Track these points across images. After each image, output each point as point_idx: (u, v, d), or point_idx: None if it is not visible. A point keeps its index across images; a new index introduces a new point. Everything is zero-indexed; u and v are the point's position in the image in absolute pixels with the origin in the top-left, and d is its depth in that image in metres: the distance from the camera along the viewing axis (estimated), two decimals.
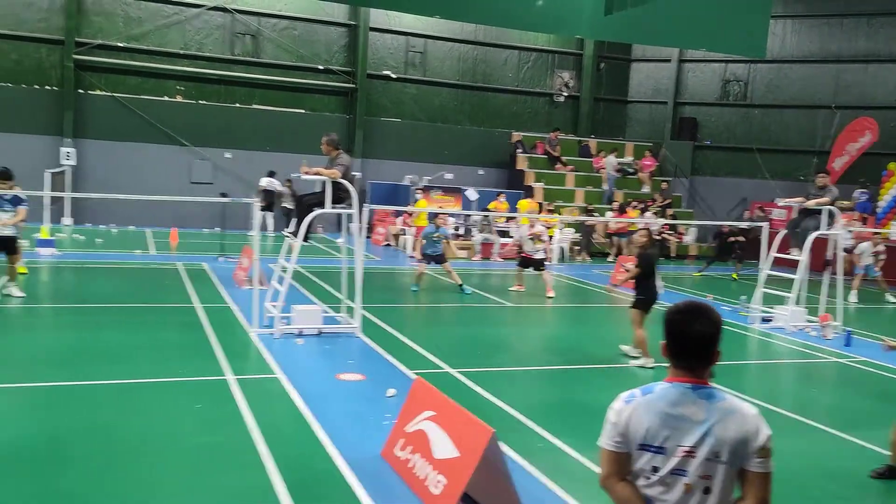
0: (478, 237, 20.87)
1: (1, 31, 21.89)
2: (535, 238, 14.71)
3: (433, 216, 15.22)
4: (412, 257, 18.73)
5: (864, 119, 23.95)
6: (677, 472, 2.62)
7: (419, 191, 22.10)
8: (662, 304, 12.63)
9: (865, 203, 23.21)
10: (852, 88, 25.84)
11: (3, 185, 11.03)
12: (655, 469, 2.65)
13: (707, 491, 2.61)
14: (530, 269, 14.91)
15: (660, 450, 2.64)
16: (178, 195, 20.01)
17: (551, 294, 14.55)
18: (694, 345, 2.67)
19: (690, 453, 2.60)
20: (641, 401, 2.69)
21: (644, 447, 2.66)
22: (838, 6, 25.93)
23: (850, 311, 13.89)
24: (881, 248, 17.59)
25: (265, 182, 22.65)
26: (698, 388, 2.67)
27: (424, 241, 14.74)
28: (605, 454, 2.74)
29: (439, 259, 14.56)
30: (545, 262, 15.01)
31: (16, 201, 11.07)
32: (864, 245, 17.08)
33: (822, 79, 26.35)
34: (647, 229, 9.76)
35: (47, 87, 22.48)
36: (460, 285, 14.28)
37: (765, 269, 12.75)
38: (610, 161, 25.66)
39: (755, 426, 2.61)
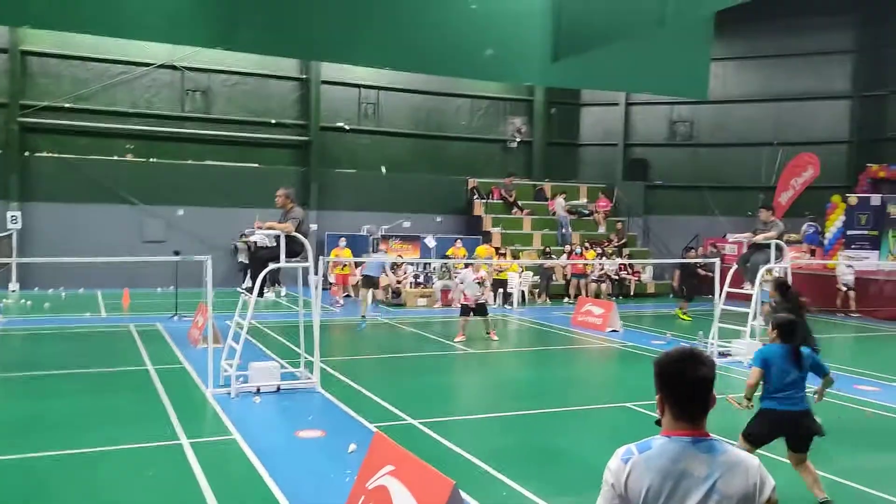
0: (437, 284, 20.82)
1: None
2: (481, 282, 14.80)
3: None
4: (337, 303, 19.49)
5: (805, 154, 24.77)
6: None
7: (342, 239, 21.69)
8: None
9: (813, 235, 23.83)
10: (793, 125, 26.74)
11: None
12: None
13: None
14: (475, 316, 14.46)
15: None
16: (129, 255, 19.61)
17: (495, 338, 14.45)
18: (699, 391, 2.59)
19: None
20: (639, 459, 2.56)
21: None
22: (776, 47, 26.94)
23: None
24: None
25: (258, 237, 22.00)
26: (698, 440, 2.57)
27: (366, 265, 15.40)
28: None
29: (374, 283, 14.88)
30: (486, 305, 14.90)
31: None
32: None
33: (763, 117, 27.24)
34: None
35: None
36: (362, 317, 14.38)
37: (719, 304, 12.91)
38: (559, 203, 25.98)
39: (760, 478, 2.53)
